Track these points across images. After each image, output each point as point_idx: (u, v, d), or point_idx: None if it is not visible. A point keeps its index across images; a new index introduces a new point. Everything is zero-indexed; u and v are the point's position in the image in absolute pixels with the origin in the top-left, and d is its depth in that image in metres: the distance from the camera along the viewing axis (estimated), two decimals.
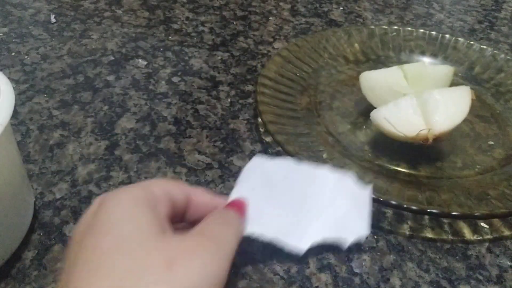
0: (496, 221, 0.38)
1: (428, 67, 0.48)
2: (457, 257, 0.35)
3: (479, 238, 0.36)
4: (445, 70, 0.47)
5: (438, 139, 0.40)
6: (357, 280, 0.33)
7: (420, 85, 0.46)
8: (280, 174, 0.32)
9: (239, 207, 0.28)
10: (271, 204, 0.30)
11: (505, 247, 0.36)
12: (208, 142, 0.44)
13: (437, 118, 0.40)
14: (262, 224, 0.28)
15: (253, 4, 0.70)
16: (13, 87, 0.30)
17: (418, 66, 0.47)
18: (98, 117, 0.46)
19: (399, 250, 0.35)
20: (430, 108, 0.40)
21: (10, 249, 0.32)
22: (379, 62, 0.55)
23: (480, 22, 0.70)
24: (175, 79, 0.52)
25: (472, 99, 0.41)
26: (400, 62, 0.55)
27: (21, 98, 0.48)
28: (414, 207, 0.35)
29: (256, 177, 0.31)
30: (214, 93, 0.51)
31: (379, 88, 0.45)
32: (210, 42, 0.60)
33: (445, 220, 0.37)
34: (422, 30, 0.58)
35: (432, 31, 0.58)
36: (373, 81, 0.46)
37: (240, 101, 0.50)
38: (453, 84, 0.47)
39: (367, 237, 0.34)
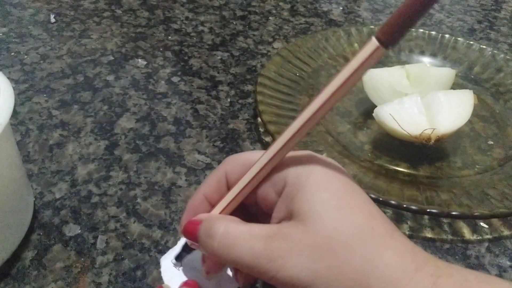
0: (495, 221, 0.38)
1: (431, 69, 0.48)
2: (457, 257, 0.35)
3: (478, 238, 0.36)
4: (447, 73, 0.47)
5: (439, 140, 0.40)
6: None
7: (422, 85, 0.46)
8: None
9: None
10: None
11: (504, 247, 0.36)
12: (208, 142, 0.44)
13: (441, 119, 0.40)
14: None
15: (253, 4, 0.70)
16: (13, 87, 0.30)
17: (421, 67, 0.47)
18: (97, 117, 0.46)
19: None
20: (434, 109, 0.41)
21: (10, 249, 0.32)
22: (378, 62, 0.55)
23: (479, 22, 0.70)
24: (174, 79, 0.52)
25: (475, 103, 0.42)
26: (399, 62, 0.55)
27: (21, 98, 0.48)
28: (413, 207, 0.36)
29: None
30: (213, 93, 0.51)
31: (382, 87, 0.46)
32: (209, 42, 0.60)
33: (444, 220, 0.37)
34: (421, 30, 0.58)
35: (432, 31, 0.58)
36: (376, 79, 0.46)
37: (240, 101, 0.50)
38: (453, 84, 0.47)
39: None
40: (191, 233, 0.26)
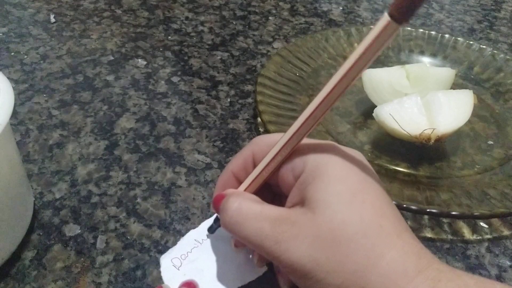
0: (495, 220, 0.38)
1: (431, 69, 0.48)
2: (457, 256, 0.35)
3: (478, 237, 0.36)
4: (447, 73, 0.47)
5: (439, 139, 0.40)
6: None
7: (421, 85, 0.46)
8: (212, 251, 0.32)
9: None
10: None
11: (504, 247, 0.36)
12: (208, 142, 0.44)
13: (441, 119, 0.40)
14: None
15: (253, 4, 0.70)
16: (13, 87, 0.30)
17: (421, 67, 0.47)
18: (97, 117, 0.46)
19: None
20: (434, 109, 0.41)
21: (10, 249, 0.32)
22: (378, 62, 0.55)
23: (479, 22, 0.70)
24: (174, 79, 0.52)
25: (474, 103, 0.42)
26: (399, 61, 0.55)
27: (21, 98, 0.48)
28: (413, 207, 0.36)
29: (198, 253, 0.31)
30: (213, 93, 0.51)
31: (381, 86, 0.46)
32: (209, 42, 0.60)
33: (444, 220, 0.37)
34: (421, 30, 0.58)
35: (432, 30, 0.58)
36: (376, 79, 0.46)
37: (240, 101, 0.50)
38: (453, 84, 0.47)
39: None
40: (215, 206, 0.28)
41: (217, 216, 0.31)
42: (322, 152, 0.25)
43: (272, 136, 0.28)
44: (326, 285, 0.23)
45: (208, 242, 0.31)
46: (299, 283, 0.24)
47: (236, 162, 0.29)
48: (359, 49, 0.22)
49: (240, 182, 0.29)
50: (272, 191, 0.30)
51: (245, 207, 0.25)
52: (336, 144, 0.26)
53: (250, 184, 0.28)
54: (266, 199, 0.27)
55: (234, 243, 0.30)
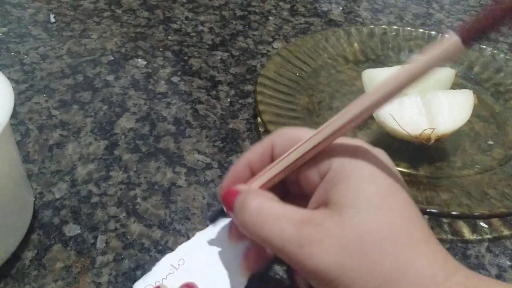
0: (495, 220, 0.38)
1: None
2: (457, 256, 0.35)
3: (478, 237, 0.36)
4: (447, 73, 0.47)
5: (439, 139, 0.40)
6: None
7: (421, 85, 0.46)
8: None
9: None
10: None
11: (504, 247, 0.36)
12: (208, 141, 0.44)
13: (441, 119, 0.40)
14: None
15: (253, 4, 0.70)
16: (13, 87, 0.30)
17: None
18: (97, 117, 0.46)
19: None
20: (434, 109, 0.41)
21: (10, 249, 0.32)
22: (378, 62, 0.55)
23: None
24: (174, 79, 0.52)
25: (474, 103, 0.42)
26: (399, 62, 0.55)
27: (21, 98, 0.48)
28: None
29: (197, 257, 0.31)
30: (213, 93, 0.51)
31: None
32: (209, 42, 0.60)
33: (444, 220, 0.37)
34: (421, 30, 0.58)
35: (432, 30, 0.58)
36: (376, 79, 0.46)
37: (240, 101, 0.50)
38: (453, 84, 0.47)
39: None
40: (228, 202, 0.27)
41: (221, 209, 0.30)
42: (350, 152, 0.24)
43: (295, 130, 0.27)
44: None
45: (184, 267, 0.30)
46: None
47: (254, 152, 0.28)
48: (422, 60, 0.22)
49: (253, 173, 0.28)
50: (284, 189, 0.28)
51: (266, 206, 0.24)
52: (363, 143, 0.25)
53: (267, 182, 0.26)
54: (278, 196, 0.26)
55: (228, 236, 0.29)
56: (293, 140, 0.26)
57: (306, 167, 0.25)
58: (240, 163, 0.28)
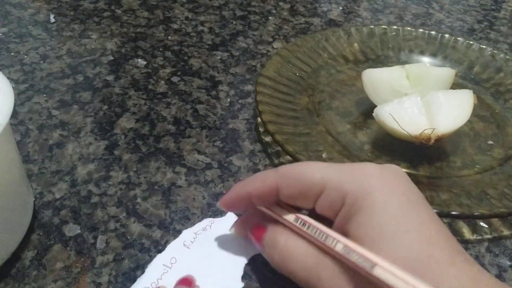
0: (495, 220, 0.38)
1: (430, 69, 0.48)
2: None
3: (478, 237, 0.36)
4: (447, 73, 0.47)
5: (439, 139, 0.40)
6: None
7: (421, 85, 0.46)
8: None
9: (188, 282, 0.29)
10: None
11: (504, 247, 0.36)
12: (208, 142, 0.44)
13: (441, 119, 0.40)
14: None
15: (253, 4, 0.70)
16: (13, 87, 0.30)
17: (421, 67, 0.47)
18: (97, 117, 0.46)
19: None
20: (434, 109, 0.41)
21: (10, 249, 0.32)
22: (378, 62, 0.55)
23: (479, 22, 0.70)
24: (174, 79, 0.52)
25: (474, 103, 0.42)
26: (399, 61, 0.55)
27: (21, 98, 0.48)
28: None
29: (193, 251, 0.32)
30: (213, 93, 0.51)
31: (381, 86, 0.46)
32: (209, 42, 0.60)
33: (444, 220, 0.37)
34: (421, 30, 0.58)
35: (432, 30, 0.58)
36: (376, 79, 0.46)
37: (240, 101, 0.50)
38: (453, 84, 0.47)
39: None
40: (257, 237, 0.29)
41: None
42: (360, 182, 0.24)
43: (299, 169, 0.27)
44: None
45: (177, 265, 0.31)
46: None
47: (257, 187, 0.28)
48: None
49: (253, 203, 0.29)
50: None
51: (291, 243, 0.26)
52: (372, 165, 0.25)
53: (288, 226, 0.27)
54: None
55: (234, 228, 0.31)
56: (298, 180, 0.26)
57: (320, 206, 0.26)
58: (241, 192, 0.29)
